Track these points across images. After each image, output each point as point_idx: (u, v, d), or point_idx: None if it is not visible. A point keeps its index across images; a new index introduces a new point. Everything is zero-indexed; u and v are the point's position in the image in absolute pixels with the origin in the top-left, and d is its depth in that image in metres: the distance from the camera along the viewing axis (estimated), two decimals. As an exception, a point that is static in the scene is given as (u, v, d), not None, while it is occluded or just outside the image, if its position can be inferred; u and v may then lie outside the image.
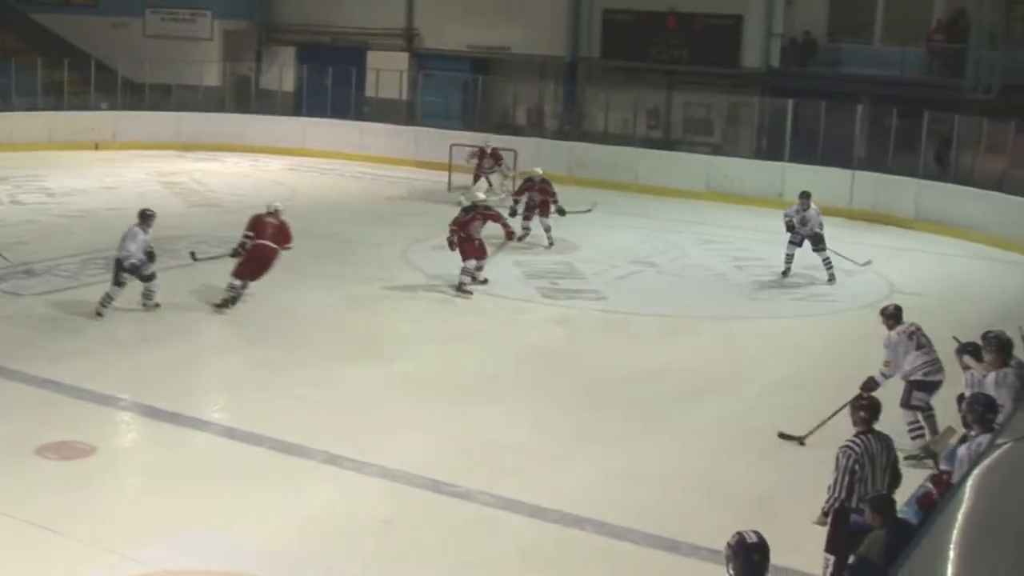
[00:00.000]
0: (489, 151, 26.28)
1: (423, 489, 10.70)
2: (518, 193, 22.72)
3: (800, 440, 12.00)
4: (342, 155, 32.25)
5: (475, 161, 26.35)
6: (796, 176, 26.48)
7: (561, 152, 29.66)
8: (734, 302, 18.53)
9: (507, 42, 33.40)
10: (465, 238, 17.90)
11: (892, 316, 12.23)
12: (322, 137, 32.99)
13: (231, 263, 16.71)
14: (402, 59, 34.80)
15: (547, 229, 21.95)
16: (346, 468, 11.04)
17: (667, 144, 30.70)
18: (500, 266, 19.99)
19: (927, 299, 17.68)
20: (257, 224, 16.78)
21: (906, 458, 10.68)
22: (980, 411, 8.70)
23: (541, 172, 22.63)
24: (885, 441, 8.75)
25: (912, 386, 11.84)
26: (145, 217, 16.24)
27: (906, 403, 11.83)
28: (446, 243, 18.07)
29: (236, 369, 14.28)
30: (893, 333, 12.04)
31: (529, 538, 9.99)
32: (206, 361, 14.59)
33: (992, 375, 10.06)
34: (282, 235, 16.75)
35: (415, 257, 20.45)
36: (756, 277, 20.13)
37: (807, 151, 27.50)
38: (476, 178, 26.41)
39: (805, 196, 19.99)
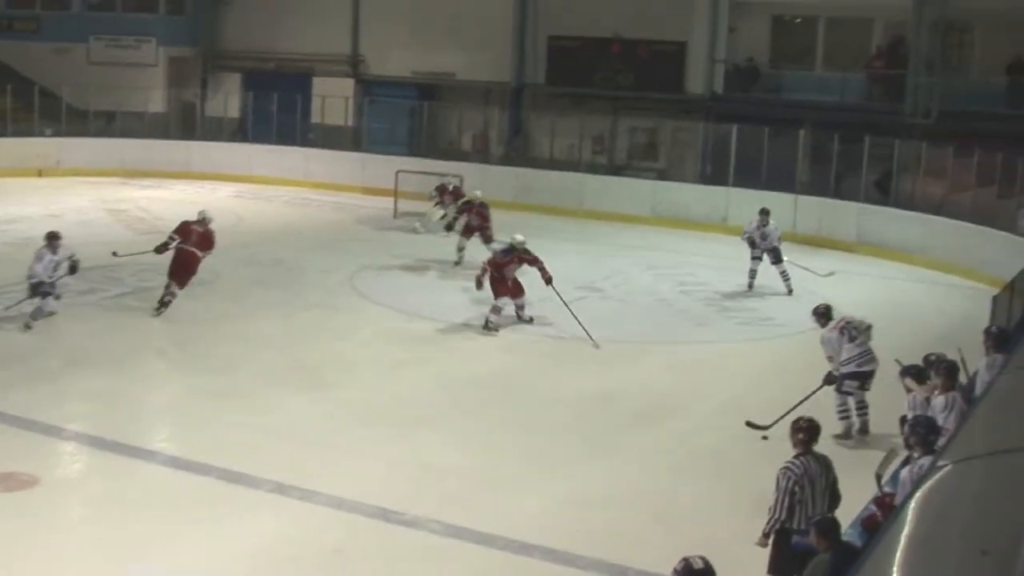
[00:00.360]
0: (451, 188, 25.87)
1: (372, 518, 10.67)
2: (458, 212, 23.17)
3: (765, 430, 12.56)
4: (288, 181, 32.19)
5: (436, 196, 25.86)
6: (740, 201, 26.75)
7: (507, 178, 29.78)
8: (679, 327, 18.64)
9: (452, 68, 33.48)
10: (498, 277, 17.70)
11: (823, 315, 13.74)
12: (268, 163, 32.90)
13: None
14: (347, 85, 34.81)
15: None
16: (294, 497, 10.99)
17: (612, 169, 30.88)
18: (446, 292, 20.03)
19: (870, 322, 17.79)
20: (183, 229, 17.84)
21: (834, 436, 12.33)
22: (923, 433, 8.80)
23: (480, 195, 22.92)
24: (824, 462, 8.87)
25: (844, 376, 12.96)
26: (51, 239, 16.69)
27: (838, 388, 13.01)
28: (475, 281, 17.83)
29: (181, 398, 14.18)
30: (825, 331, 13.37)
31: (478, 566, 9.99)
32: (151, 389, 14.49)
33: (940, 399, 10.18)
34: (205, 241, 17.82)
35: (361, 284, 20.42)
36: (701, 302, 20.26)
37: (751, 176, 27.72)
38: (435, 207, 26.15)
39: (765, 213, 21.26)
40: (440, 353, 16.48)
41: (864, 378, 12.98)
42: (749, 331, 18.52)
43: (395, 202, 27.85)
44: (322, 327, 17.50)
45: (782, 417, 12.08)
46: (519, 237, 21.77)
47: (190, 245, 17.67)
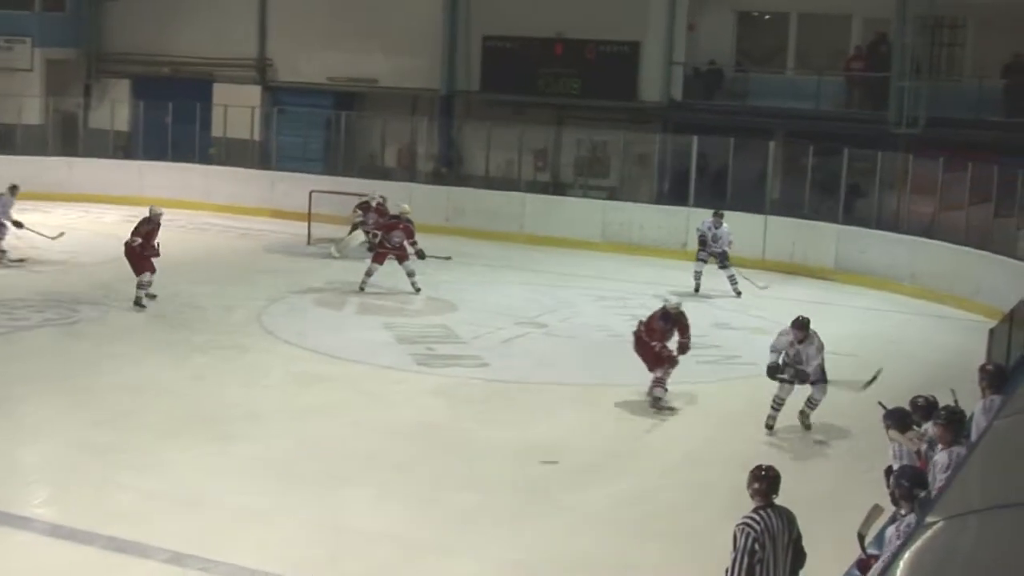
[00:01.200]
0: (375, 205, 25.87)
1: (282, 590, 10.61)
2: (382, 229, 23.32)
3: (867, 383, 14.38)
4: (185, 203, 31.93)
5: (359, 215, 25.83)
6: (701, 221, 26.91)
7: (436, 198, 29.83)
8: (634, 367, 18.63)
9: (374, 73, 33.52)
10: (648, 344, 16.78)
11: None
12: (162, 183, 32.66)
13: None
14: (254, 93, 34.75)
15: (411, 274, 22.63)
16: (192, 568, 10.89)
17: (556, 188, 31.03)
18: (368, 329, 20.01)
19: (852, 359, 17.92)
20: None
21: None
22: (907, 487, 8.79)
23: (410, 209, 23.32)
24: (787, 516, 8.78)
25: None
26: None
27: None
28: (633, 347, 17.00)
29: (61, 454, 14.01)
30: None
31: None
32: (25, 445, 14.31)
33: (942, 455, 9.88)
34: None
35: (270, 320, 20.35)
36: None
37: (714, 194, 27.92)
38: (353, 228, 26.17)
39: (719, 215, 24.01)
40: (359, 399, 16.44)
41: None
42: (713, 371, 18.59)
43: (309, 227, 27.81)
44: (224, 371, 17.41)
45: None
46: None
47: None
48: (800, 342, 15.39)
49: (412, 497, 12.88)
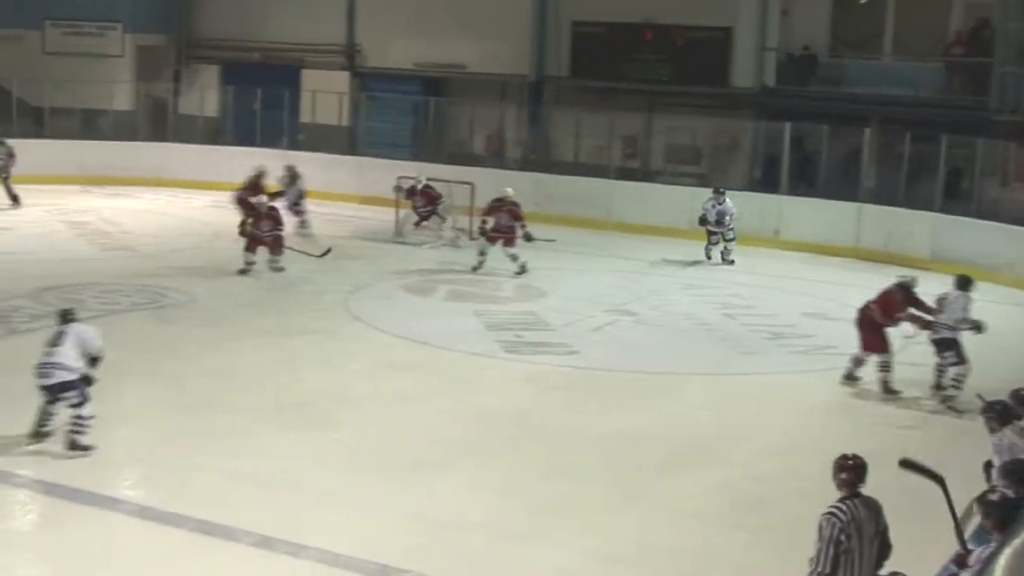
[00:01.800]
0: (420, 187, 26.24)
1: (369, 575, 10.72)
2: (486, 214, 23.81)
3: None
4: (273, 189, 32.25)
5: (402, 198, 26.37)
6: (794, 210, 26.88)
7: (525, 184, 29.65)
8: (723, 355, 18.67)
9: (463, 60, 33.62)
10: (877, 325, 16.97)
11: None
12: (250, 169, 32.97)
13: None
14: (342, 79, 34.99)
15: (514, 258, 23.14)
16: (280, 552, 11.01)
17: (646, 175, 30.97)
18: (457, 316, 20.11)
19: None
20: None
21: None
22: (1020, 477, 8.67)
23: (512, 192, 23.87)
24: (874, 507, 8.70)
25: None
26: None
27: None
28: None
29: (150, 437, 14.22)
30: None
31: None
32: (115, 427, 14.50)
33: None
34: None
35: (358, 306, 20.51)
36: (748, 327, 20.30)
37: (807, 182, 27.79)
38: (421, 219, 26.62)
39: (719, 192, 25.55)
40: (447, 385, 16.52)
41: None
42: (804, 361, 18.53)
43: (396, 213, 27.96)
44: (312, 356, 17.57)
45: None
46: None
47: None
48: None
49: (500, 485, 12.95)
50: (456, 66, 33.83)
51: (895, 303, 16.72)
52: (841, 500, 8.63)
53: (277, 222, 22.97)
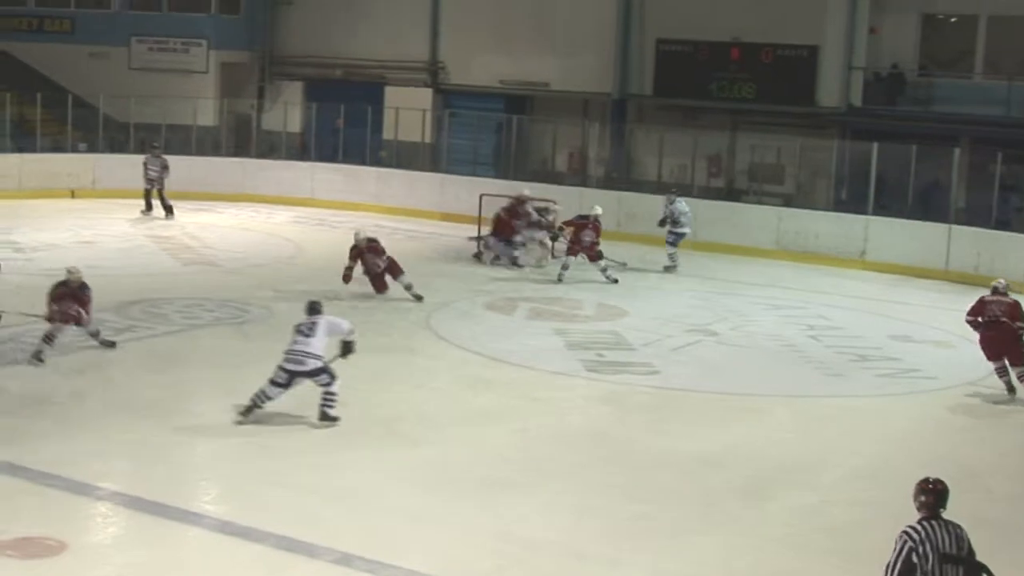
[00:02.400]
0: (524, 209, 26.16)
1: (449, 595, 10.71)
2: (568, 223, 24.97)
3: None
4: (356, 206, 32.52)
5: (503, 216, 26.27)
6: (882, 231, 26.65)
7: (608, 203, 29.64)
8: (808, 378, 18.51)
9: (546, 77, 33.70)
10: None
11: None
12: (333, 185, 33.30)
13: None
14: (425, 96, 35.19)
15: (604, 269, 24.21)
16: (360, 570, 11.02)
17: (730, 194, 30.87)
18: (538, 335, 20.09)
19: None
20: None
21: None
22: None
23: (600, 211, 24.90)
24: (955, 530, 8.60)
25: None
26: None
27: None
28: None
29: (232, 453, 14.30)
30: None
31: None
32: (197, 444, 14.61)
33: None
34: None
35: (440, 324, 20.55)
36: (834, 349, 20.11)
37: (895, 202, 27.57)
38: (510, 234, 26.35)
39: (672, 192, 26.60)
40: (528, 404, 16.49)
41: None
42: (890, 384, 18.33)
43: (479, 230, 28.00)
44: (394, 373, 17.60)
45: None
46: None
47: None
48: None
49: (579, 506, 12.89)
50: (539, 84, 33.92)
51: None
52: (919, 520, 8.60)
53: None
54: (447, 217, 31.24)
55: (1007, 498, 13.66)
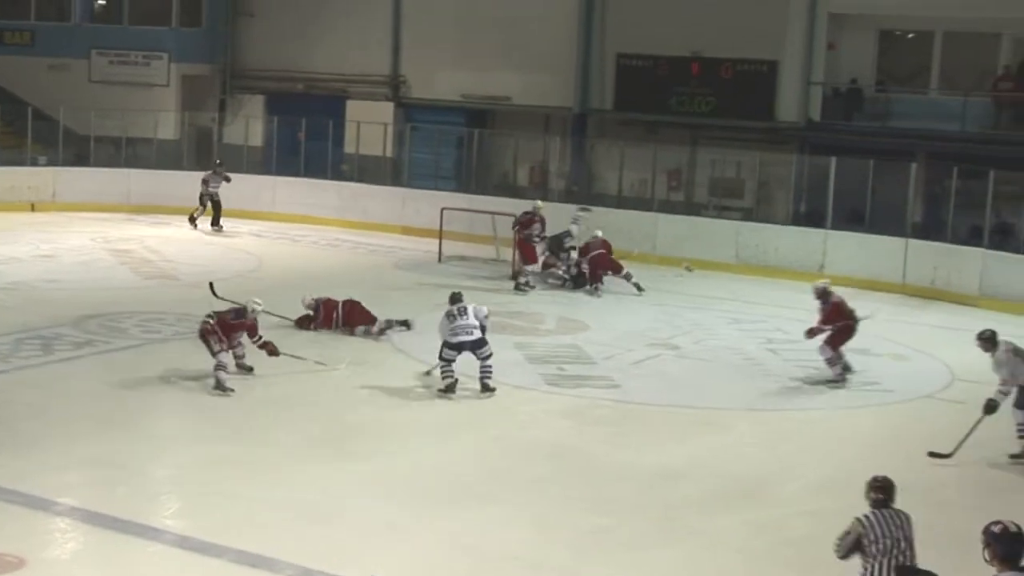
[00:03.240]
0: (538, 218, 26.01)
1: (409, 608, 10.68)
2: (583, 253, 25.29)
3: (947, 457, 14.87)
4: (317, 220, 32.45)
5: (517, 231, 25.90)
6: (840, 245, 26.77)
7: (568, 216, 29.65)
8: (768, 391, 18.55)
9: (507, 91, 33.71)
10: None
11: (989, 340, 15.27)
12: (294, 199, 33.21)
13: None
14: (386, 110, 35.14)
15: (629, 277, 24.92)
16: (319, 583, 11.01)
17: (690, 208, 30.89)
18: (498, 349, 19.99)
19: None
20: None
21: (1010, 456, 15.03)
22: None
23: (600, 233, 25.32)
24: (903, 518, 9.47)
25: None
26: None
27: (1019, 404, 14.99)
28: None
29: (191, 467, 14.23)
30: (1000, 352, 15.08)
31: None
32: (157, 458, 14.55)
33: None
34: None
35: (400, 339, 20.49)
36: (794, 362, 20.16)
37: (853, 216, 27.67)
38: (529, 257, 25.73)
39: (584, 210, 26.97)
40: (489, 418, 16.50)
41: None
42: (849, 397, 18.38)
43: (440, 245, 27.98)
44: (353, 387, 17.57)
45: (962, 442, 14.73)
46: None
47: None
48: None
49: (541, 519, 12.89)
50: (500, 98, 33.91)
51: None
52: (871, 510, 9.57)
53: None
54: (408, 231, 31.21)
55: (966, 508, 13.72)
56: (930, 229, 27.15)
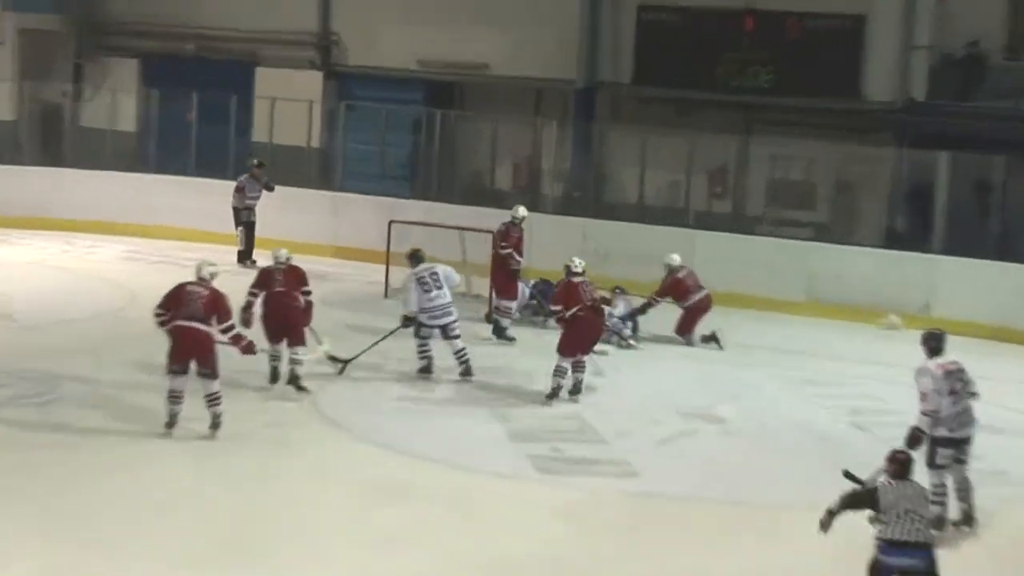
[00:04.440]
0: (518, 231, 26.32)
1: None
2: (677, 296, 26.04)
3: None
4: (214, 237, 32.36)
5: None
6: (953, 275, 26.87)
7: (567, 234, 29.69)
8: (844, 481, 18.68)
9: (484, 57, 33.82)
10: None
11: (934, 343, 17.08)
12: (181, 207, 33.16)
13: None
14: (313, 81, 35.27)
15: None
16: None
17: (740, 223, 31.01)
18: (471, 421, 20.17)
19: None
20: (264, 277, 22.12)
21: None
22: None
23: (679, 259, 26.17)
24: (918, 487, 13.68)
25: (935, 441, 16.62)
26: None
27: (931, 463, 16.52)
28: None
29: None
30: (930, 364, 16.87)
31: None
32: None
33: None
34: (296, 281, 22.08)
35: (332, 404, 20.59)
36: (887, 441, 20.26)
37: (972, 235, 27.80)
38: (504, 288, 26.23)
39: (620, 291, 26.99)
40: (453, 522, 16.52)
41: (958, 445, 16.79)
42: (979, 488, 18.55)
43: (387, 272, 28.04)
44: (267, 476, 17.59)
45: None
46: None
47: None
48: None
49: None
50: (474, 66, 34.01)
51: None
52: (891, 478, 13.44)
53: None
54: (342, 252, 31.31)
55: None
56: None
